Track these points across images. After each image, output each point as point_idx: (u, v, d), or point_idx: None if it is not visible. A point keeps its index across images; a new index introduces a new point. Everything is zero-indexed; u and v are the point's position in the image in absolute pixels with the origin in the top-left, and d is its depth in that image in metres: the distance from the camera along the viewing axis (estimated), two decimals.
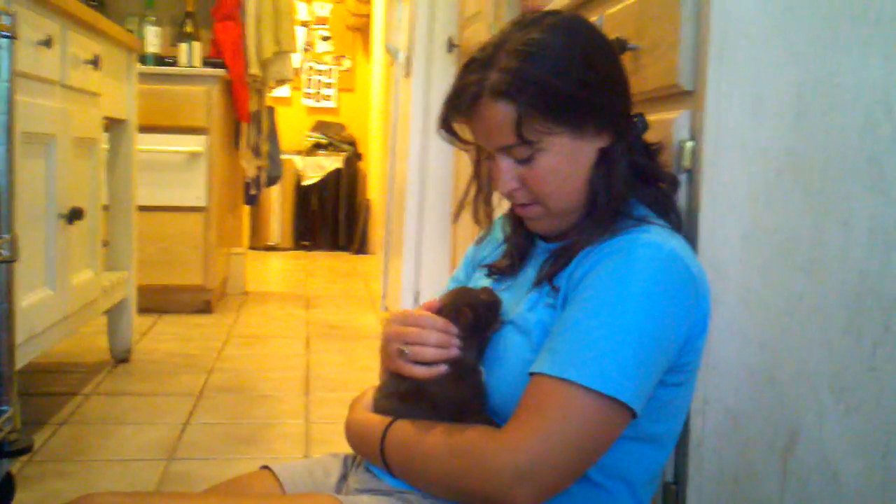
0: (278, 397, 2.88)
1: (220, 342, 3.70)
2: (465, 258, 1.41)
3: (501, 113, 1.11)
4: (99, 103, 2.82)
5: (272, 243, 7.24)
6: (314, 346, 3.66)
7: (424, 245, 3.47)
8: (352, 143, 7.51)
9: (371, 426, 1.20)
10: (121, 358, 3.26)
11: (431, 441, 1.11)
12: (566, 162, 1.13)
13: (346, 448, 1.29)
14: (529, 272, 1.21)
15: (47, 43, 2.22)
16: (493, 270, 1.28)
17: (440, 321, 1.15)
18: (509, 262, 1.26)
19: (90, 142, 2.75)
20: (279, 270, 6.24)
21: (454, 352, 1.15)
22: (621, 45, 1.48)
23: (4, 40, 1.83)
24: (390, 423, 1.17)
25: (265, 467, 1.32)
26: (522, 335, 1.14)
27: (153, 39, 4.29)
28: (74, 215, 2.49)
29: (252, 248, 6.64)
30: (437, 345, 1.14)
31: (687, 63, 1.33)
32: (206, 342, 3.69)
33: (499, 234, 1.34)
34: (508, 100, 1.10)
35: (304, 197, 7.29)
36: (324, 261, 6.67)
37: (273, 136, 4.98)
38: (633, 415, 1.05)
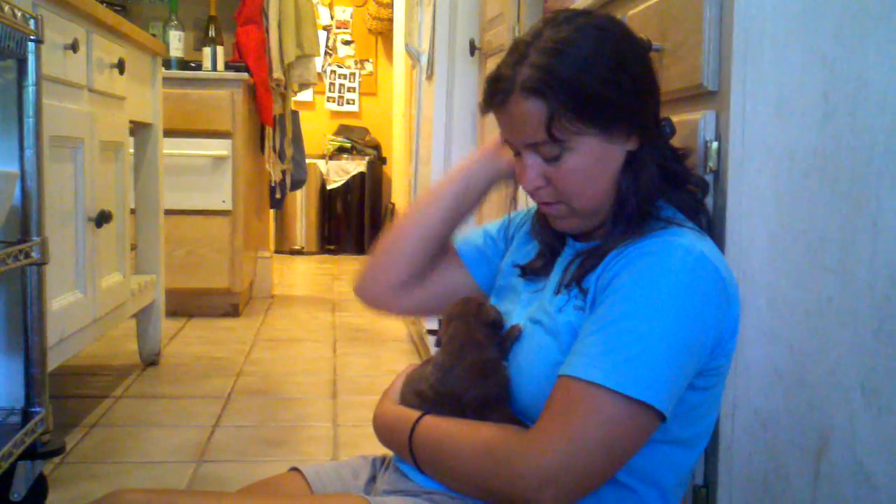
0: (306, 400, 2.89)
1: (248, 345, 3.72)
2: (500, 226, 1.41)
3: (532, 110, 1.10)
4: (124, 107, 2.84)
5: (297, 247, 7.27)
6: (341, 350, 3.68)
7: None
8: (375, 147, 7.52)
9: (400, 419, 1.20)
10: (150, 361, 3.29)
11: (460, 438, 1.12)
12: (594, 163, 1.13)
13: (373, 451, 1.30)
14: (559, 272, 1.21)
15: (73, 47, 2.24)
16: (527, 271, 1.28)
17: None
18: (542, 263, 1.26)
19: (117, 145, 2.77)
20: (305, 274, 6.26)
21: None
22: (647, 47, 1.48)
23: (31, 44, 1.85)
24: (420, 417, 1.17)
25: (294, 469, 1.33)
26: (551, 336, 1.14)
27: (177, 44, 4.32)
28: (103, 219, 2.51)
29: (277, 251, 6.67)
30: None
31: (711, 63, 1.33)
32: (233, 345, 3.71)
33: (529, 227, 1.34)
34: (539, 97, 1.09)
35: (329, 201, 7.31)
36: (349, 264, 6.68)
37: (297, 139, 5.00)
38: (663, 419, 1.05)
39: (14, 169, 1.84)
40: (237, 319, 4.28)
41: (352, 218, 7.34)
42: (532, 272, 1.27)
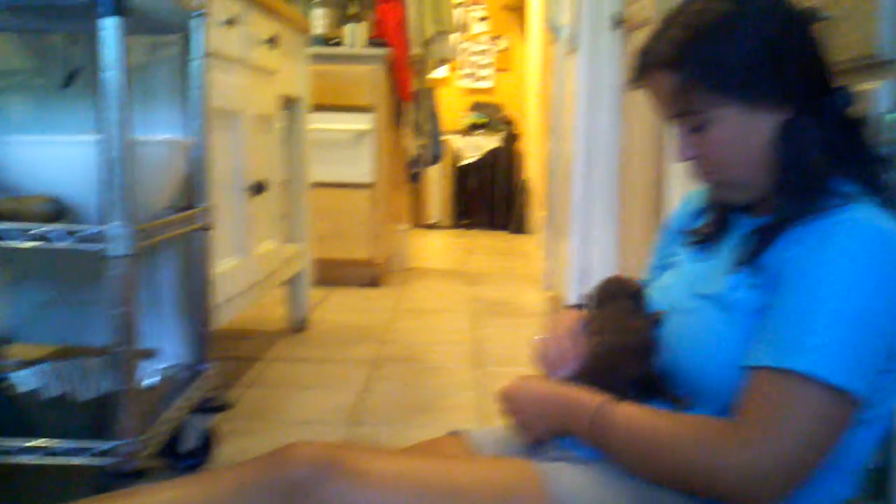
0: (449, 369, 2.94)
1: (389, 315, 3.80)
2: (658, 245, 1.41)
3: (667, 82, 1.12)
4: (275, 82, 2.93)
5: (432, 221, 7.35)
6: (480, 322, 3.72)
7: (592, 224, 3.45)
8: (509, 123, 7.53)
9: (576, 401, 1.18)
10: (298, 327, 3.41)
11: (660, 428, 1.09)
12: (738, 134, 1.12)
13: None
14: (730, 247, 1.20)
15: (231, 22, 2.32)
16: (695, 237, 1.27)
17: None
18: (712, 230, 1.25)
19: (268, 119, 2.86)
20: (440, 248, 6.33)
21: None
22: (812, 16, 1.44)
23: (198, 19, 1.92)
24: (606, 401, 1.15)
25: (455, 433, 1.36)
26: (723, 312, 1.12)
27: (319, 21, 4.40)
28: (258, 188, 2.60)
29: (412, 225, 6.78)
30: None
31: (886, 31, 1.28)
32: (375, 314, 3.80)
33: (694, 205, 1.33)
34: (673, 70, 1.11)
35: (462, 176, 7.37)
36: (482, 239, 6.73)
37: (434, 115, 5.05)
38: (859, 404, 1.03)
39: (183, 138, 1.92)
40: (377, 290, 4.38)
41: (484, 194, 7.37)
42: (702, 238, 1.26)
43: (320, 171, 4.04)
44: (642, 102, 2.76)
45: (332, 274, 4.35)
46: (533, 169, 6.74)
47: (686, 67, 1.10)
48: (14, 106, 2.03)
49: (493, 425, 1.38)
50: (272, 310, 3.58)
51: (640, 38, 2.78)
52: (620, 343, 1.22)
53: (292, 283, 3.34)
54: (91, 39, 1.49)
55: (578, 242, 3.45)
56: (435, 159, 5.20)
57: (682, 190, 2.14)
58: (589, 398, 1.17)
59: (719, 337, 1.12)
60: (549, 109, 4.65)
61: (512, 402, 1.26)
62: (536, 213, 6.23)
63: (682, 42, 1.11)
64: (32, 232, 1.50)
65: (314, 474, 1.11)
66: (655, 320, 1.22)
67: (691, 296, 1.19)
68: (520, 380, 1.27)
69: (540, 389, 1.25)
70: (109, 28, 1.46)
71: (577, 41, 3.59)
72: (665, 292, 1.26)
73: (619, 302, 1.28)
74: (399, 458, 1.22)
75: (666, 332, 1.20)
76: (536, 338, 1.22)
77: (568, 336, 1.28)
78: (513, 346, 3.25)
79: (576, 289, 3.40)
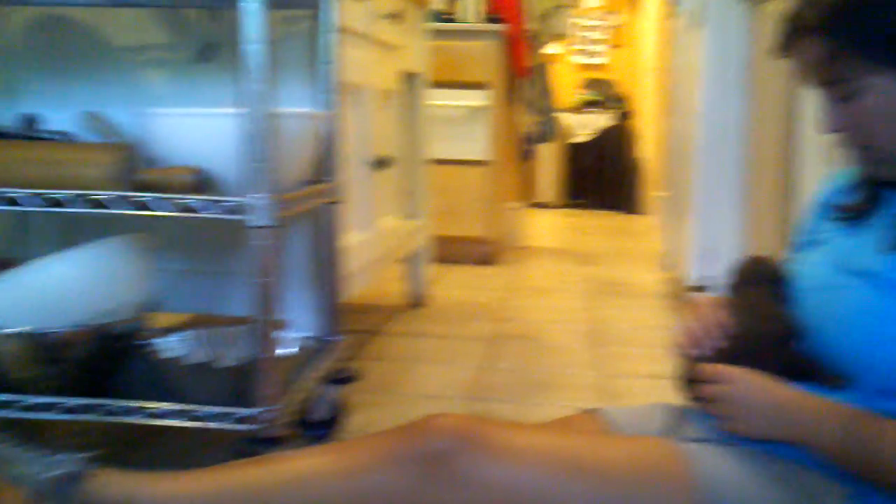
0: (567, 348, 2.92)
1: (504, 292, 3.81)
2: (804, 221, 1.37)
3: (816, 50, 1.09)
4: (396, 57, 2.93)
5: (543, 200, 7.31)
6: (596, 302, 3.69)
7: (716, 203, 3.38)
8: (622, 101, 7.43)
9: (830, 408, 1.09)
10: (416, 303, 3.45)
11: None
12: (890, 103, 1.07)
13: (641, 401, 1.28)
14: (883, 224, 1.15)
15: None
16: (844, 213, 1.24)
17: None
18: (862, 205, 1.21)
19: (389, 94, 2.87)
20: (552, 227, 6.31)
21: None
22: None
23: None
24: (864, 412, 1.08)
25: (589, 410, 1.35)
26: (877, 289, 1.08)
27: None
28: (382, 163, 2.62)
29: (524, 204, 6.77)
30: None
31: None
32: (491, 292, 3.81)
33: (844, 180, 1.29)
34: (823, 36, 1.08)
35: (574, 154, 7.31)
36: (595, 219, 6.67)
37: (548, 92, 5.02)
38: None
39: (316, 111, 1.95)
40: (492, 268, 4.39)
41: (597, 172, 7.30)
42: (852, 213, 1.22)
43: (436, 147, 4.06)
44: (772, 77, 2.69)
45: (447, 251, 4.36)
46: (647, 147, 6.64)
47: (837, 34, 1.07)
48: (153, 79, 2.09)
49: (619, 404, 1.36)
50: (390, 285, 3.62)
51: (771, 10, 2.70)
52: (762, 330, 1.20)
53: (411, 259, 3.36)
54: (227, 14, 1.52)
55: (701, 222, 3.38)
56: (548, 137, 5.16)
57: (815, 168, 2.08)
58: (840, 407, 1.09)
59: (873, 314, 1.08)
60: (667, 86, 4.57)
61: (727, 388, 1.16)
62: (650, 192, 6.14)
63: (833, 7, 1.08)
64: (179, 202, 1.54)
65: (455, 446, 1.11)
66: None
67: (840, 271, 1.16)
68: (743, 371, 1.16)
69: (777, 390, 1.14)
70: (252, 2, 1.49)
71: (702, 14, 3.51)
72: (811, 269, 1.23)
73: (760, 286, 1.25)
74: (540, 433, 1.22)
75: (813, 308, 1.17)
76: (677, 325, 1.20)
77: (709, 319, 1.25)
78: (631, 327, 3.22)
79: (697, 270, 3.33)
